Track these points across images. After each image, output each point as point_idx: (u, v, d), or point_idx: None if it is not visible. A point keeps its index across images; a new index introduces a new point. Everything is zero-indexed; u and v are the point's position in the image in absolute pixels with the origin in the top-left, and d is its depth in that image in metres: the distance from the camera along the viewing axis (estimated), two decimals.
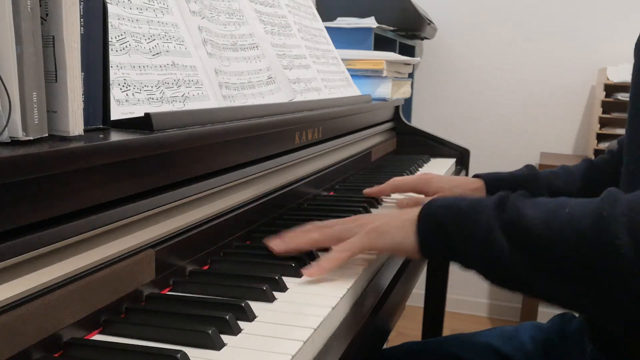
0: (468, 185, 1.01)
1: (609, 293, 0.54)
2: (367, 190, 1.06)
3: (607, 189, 0.57)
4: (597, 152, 2.16)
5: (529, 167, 1.03)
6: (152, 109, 0.71)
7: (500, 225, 0.59)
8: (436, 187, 1.01)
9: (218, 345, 0.51)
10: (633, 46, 0.80)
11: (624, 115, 0.84)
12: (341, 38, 1.72)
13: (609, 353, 0.79)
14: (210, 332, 0.52)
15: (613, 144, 1.02)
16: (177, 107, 0.75)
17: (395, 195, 1.09)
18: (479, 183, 1.01)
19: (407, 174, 1.32)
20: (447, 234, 0.63)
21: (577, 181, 0.99)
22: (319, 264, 0.68)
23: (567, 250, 0.55)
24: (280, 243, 0.72)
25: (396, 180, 1.04)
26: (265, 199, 0.87)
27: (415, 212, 0.66)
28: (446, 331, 1.68)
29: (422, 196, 1.05)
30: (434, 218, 0.64)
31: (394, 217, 0.69)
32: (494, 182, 1.01)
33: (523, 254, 0.57)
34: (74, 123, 0.53)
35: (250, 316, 0.57)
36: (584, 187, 0.98)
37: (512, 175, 1.02)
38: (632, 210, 0.53)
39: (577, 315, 0.96)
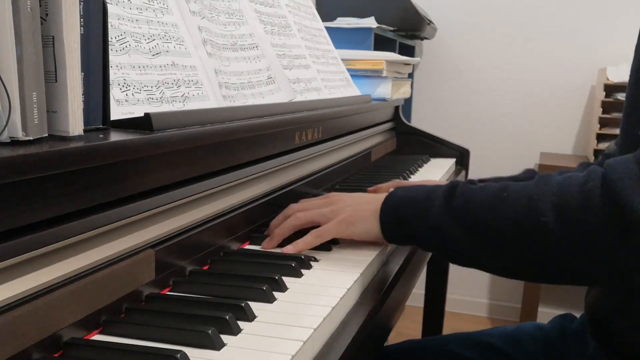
0: None
1: (542, 262, 0.64)
2: (371, 189, 1.04)
3: (540, 173, 0.67)
4: (596, 152, 2.16)
5: (529, 172, 1.03)
6: (152, 109, 0.71)
7: (449, 212, 0.68)
8: None
9: (218, 345, 0.51)
10: (633, 46, 0.81)
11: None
12: (341, 38, 1.71)
13: (610, 350, 0.79)
14: (210, 332, 0.52)
15: (611, 145, 1.03)
16: (177, 107, 0.75)
17: None
18: None
19: (407, 174, 1.32)
20: (405, 223, 0.72)
21: None
22: (296, 244, 0.77)
23: (506, 229, 0.64)
24: (269, 242, 0.80)
25: (400, 183, 1.05)
26: (265, 199, 0.87)
27: (378, 202, 0.75)
28: (446, 331, 1.68)
29: None
30: (393, 209, 0.74)
31: (362, 206, 0.78)
32: None
33: (470, 235, 0.66)
34: (74, 123, 0.53)
35: (250, 316, 0.57)
36: None
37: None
38: (559, 190, 0.62)
39: (577, 316, 0.97)
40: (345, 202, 0.80)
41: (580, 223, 0.60)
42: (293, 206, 0.84)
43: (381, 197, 0.76)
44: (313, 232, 0.78)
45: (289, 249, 0.76)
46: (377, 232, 0.75)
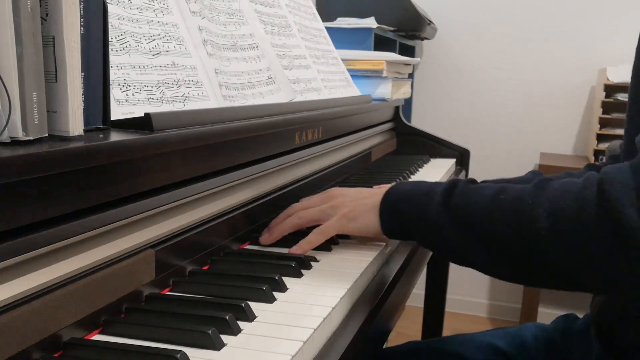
0: None
1: (534, 268, 0.63)
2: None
3: (539, 177, 0.66)
4: (597, 152, 2.16)
5: (535, 173, 1.01)
6: (152, 109, 0.71)
7: (446, 210, 0.68)
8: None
9: (218, 346, 0.51)
10: (633, 46, 0.81)
11: (624, 116, 0.84)
12: (341, 38, 1.71)
13: (616, 353, 0.79)
14: (210, 332, 0.52)
15: (614, 144, 1.02)
16: (177, 107, 0.75)
17: None
18: None
19: (407, 174, 1.32)
20: (403, 219, 0.72)
21: None
22: (300, 245, 0.77)
23: (499, 232, 0.63)
24: (267, 236, 0.80)
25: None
26: (265, 199, 0.87)
27: (379, 196, 0.75)
28: (446, 331, 1.68)
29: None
30: (392, 205, 0.74)
31: (362, 200, 0.78)
32: None
33: (464, 235, 0.66)
34: (74, 123, 0.53)
35: (250, 316, 0.57)
36: None
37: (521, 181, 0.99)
38: (555, 197, 0.61)
39: (580, 316, 0.97)
40: (345, 198, 0.80)
41: (574, 232, 0.59)
42: (295, 205, 0.84)
43: (381, 191, 0.76)
44: (316, 230, 0.79)
45: (294, 250, 0.77)
46: (377, 226, 0.75)
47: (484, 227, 0.65)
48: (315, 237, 0.78)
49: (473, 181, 0.71)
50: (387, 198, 0.75)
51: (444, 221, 0.68)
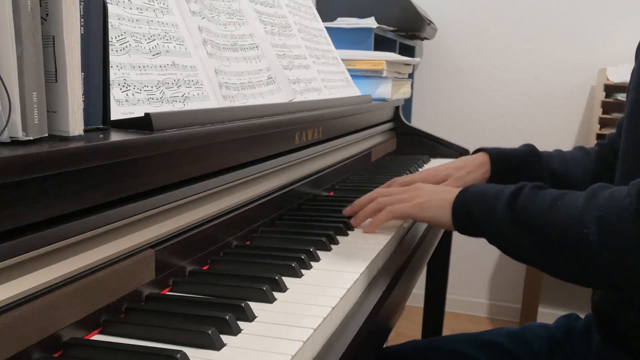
0: (473, 162, 1.04)
1: (582, 268, 0.68)
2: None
3: (591, 185, 0.71)
4: None
5: (529, 146, 1.07)
6: (152, 109, 0.71)
7: (511, 212, 0.73)
8: (443, 175, 1.03)
9: (218, 346, 0.51)
10: (633, 46, 0.81)
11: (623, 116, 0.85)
12: (341, 38, 1.71)
13: (615, 343, 0.80)
14: (210, 332, 0.52)
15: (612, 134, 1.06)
16: (177, 107, 0.75)
17: None
18: (483, 157, 1.05)
19: (407, 174, 1.32)
20: (473, 218, 0.78)
21: (571, 168, 1.07)
22: (371, 223, 0.87)
23: (554, 236, 0.69)
24: (350, 210, 0.92)
25: (402, 180, 1.02)
26: (265, 199, 0.87)
27: (453, 194, 0.81)
28: (446, 331, 1.68)
29: None
30: (465, 204, 0.79)
31: (437, 195, 0.84)
32: (499, 157, 1.05)
33: (526, 235, 0.72)
34: (74, 123, 0.53)
35: (250, 316, 0.57)
36: (577, 174, 1.06)
37: (516, 152, 1.06)
38: (604, 206, 0.66)
39: (582, 316, 0.97)
40: (423, 190, 0.87)
41: (618, 236, 0.64)
42: (377, 191, 0.92)
43: (456, 190, 0.82)
44: (388, 208, 0.86)
45: (368, 229, 0.86)
46: (448, 220, 0.81)
47: (540, 230, 0.70)
48: (385, 215, 0.85)
49: (540, 186, 0.75)
50: (460, 197, 0.80)
51: (507, 222, 0.73)
